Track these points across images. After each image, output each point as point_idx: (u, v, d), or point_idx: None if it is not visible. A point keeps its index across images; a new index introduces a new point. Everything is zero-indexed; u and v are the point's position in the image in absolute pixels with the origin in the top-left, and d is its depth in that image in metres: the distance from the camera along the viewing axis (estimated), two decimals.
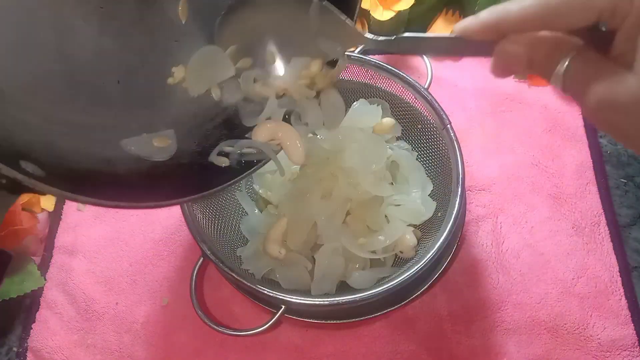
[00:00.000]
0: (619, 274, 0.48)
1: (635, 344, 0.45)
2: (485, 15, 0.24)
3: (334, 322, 0.45)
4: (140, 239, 0.53)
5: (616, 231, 0.50)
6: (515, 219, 0.51)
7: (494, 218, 0.51)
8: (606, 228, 0.50)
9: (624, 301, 0.47)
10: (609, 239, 0.50)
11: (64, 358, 0.47)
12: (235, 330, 0.43)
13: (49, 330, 0.49)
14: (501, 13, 0.24)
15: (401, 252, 0.45)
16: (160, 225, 0.53)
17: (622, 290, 0.48)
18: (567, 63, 0.23)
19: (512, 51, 0.24)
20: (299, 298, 0.40)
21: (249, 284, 0.40)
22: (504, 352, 0.46)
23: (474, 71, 0.60)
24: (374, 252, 0.45)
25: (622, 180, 0.53)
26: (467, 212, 0.51)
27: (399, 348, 0.46)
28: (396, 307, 0.45)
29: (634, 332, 0.46)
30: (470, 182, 0.53)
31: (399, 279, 0.40)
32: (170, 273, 0.51)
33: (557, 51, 0.24)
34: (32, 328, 0.49)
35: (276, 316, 0.41)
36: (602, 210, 0.51)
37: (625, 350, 0.45)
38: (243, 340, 0.47)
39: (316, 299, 0.40)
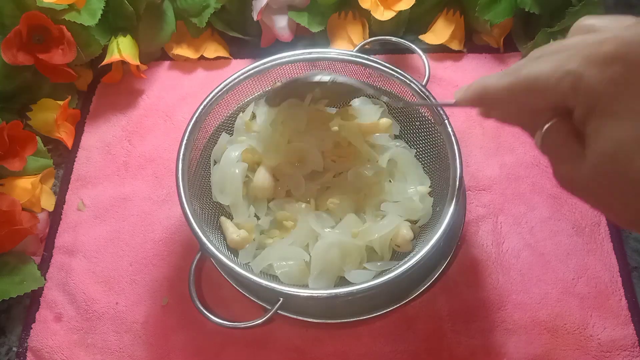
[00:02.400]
0: (619, 274, 0.48)
1: (635, 344, 0.45)
2: (470, 92, 0.29)
3: (334, 321, 0.45)
4: (140, 238, 0.53)
5: (616, 231, 0.50)
6: (516, 219, 0.51)
7: (494, 218, 0.51)
8: (606, 228, 0.50)
9: (624, 301, 0.47)
10: (609, 239, 0.50)
11: (64, 358, 0.47)
12: (233, 322, 0.43)
13: (49, 330, 0.49)
14: (481, 91, 0.28)
15: (398, 246, 0.45)
16: (160, 225, 0.53)
17: (622, 290, 0.48)
18: (545, 128, 0.26)
19: (498, 116, 0.30)
20: (297, 290, 0.40)
21: (246, 274, 0.40)
22: (503, 352, 0.46)
23: (474, 71, 0.60)
24: (369, 242, 0.45)
25: None
26: (467, 212, 0.51)
27: (399, 348, 0.46)
28: (396, 306, 0.45)
29: (634, 332, 0.46)
30: (470, 182, 0.53)
31: (397, 271, 0.39)
32: (170, 273, 0.51)
33: (538, 117, 0.26)
34: (32, 328, 0.49)
35: (274, 308, 0.41)
36: None
37: (625, 351, 0.45)
38: (243, 339, 0.47)
39: (314, 291, 0.40)
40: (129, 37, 0.59)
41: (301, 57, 0.49)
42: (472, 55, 0.61)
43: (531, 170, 0.53)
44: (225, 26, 0.63)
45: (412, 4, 0.57)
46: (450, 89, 0.59)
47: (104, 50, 0.59)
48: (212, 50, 0.62)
